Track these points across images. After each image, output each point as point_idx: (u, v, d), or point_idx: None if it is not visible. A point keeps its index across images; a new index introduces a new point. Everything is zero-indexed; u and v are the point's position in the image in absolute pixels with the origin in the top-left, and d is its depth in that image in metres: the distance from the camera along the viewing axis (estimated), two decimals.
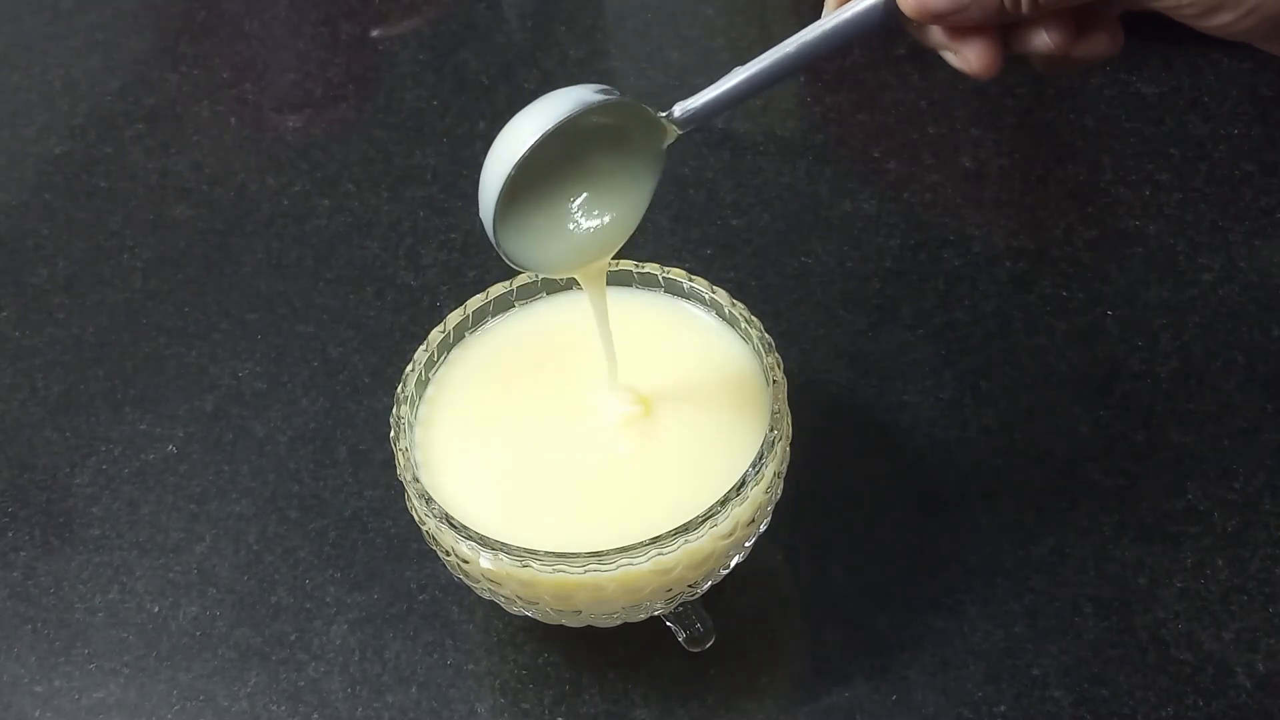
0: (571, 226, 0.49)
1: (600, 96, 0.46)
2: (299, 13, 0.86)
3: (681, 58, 0.80)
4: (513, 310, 0.57)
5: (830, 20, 0.47)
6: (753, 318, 0.54)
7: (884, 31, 0.47)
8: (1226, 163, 0.71)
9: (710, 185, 0.72)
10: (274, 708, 0.55)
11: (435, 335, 0.55)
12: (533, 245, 0.49)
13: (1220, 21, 0.44)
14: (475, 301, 0.56)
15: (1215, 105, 0.73)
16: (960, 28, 0.46)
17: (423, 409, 0.54)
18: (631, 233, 0.50)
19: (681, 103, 0.48)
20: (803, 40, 0.47)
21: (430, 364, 0.55)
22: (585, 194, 0.49)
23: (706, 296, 0.55)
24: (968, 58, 0.46)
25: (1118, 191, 0.70)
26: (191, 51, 0.84)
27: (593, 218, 0.49)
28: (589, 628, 0.52)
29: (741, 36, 0.82)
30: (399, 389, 0.53)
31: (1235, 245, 0.67)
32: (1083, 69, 0.48)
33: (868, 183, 0.72)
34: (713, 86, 0.48)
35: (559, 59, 0.81)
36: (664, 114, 0.48)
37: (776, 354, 0.53)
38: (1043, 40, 0.46)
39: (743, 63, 0.47)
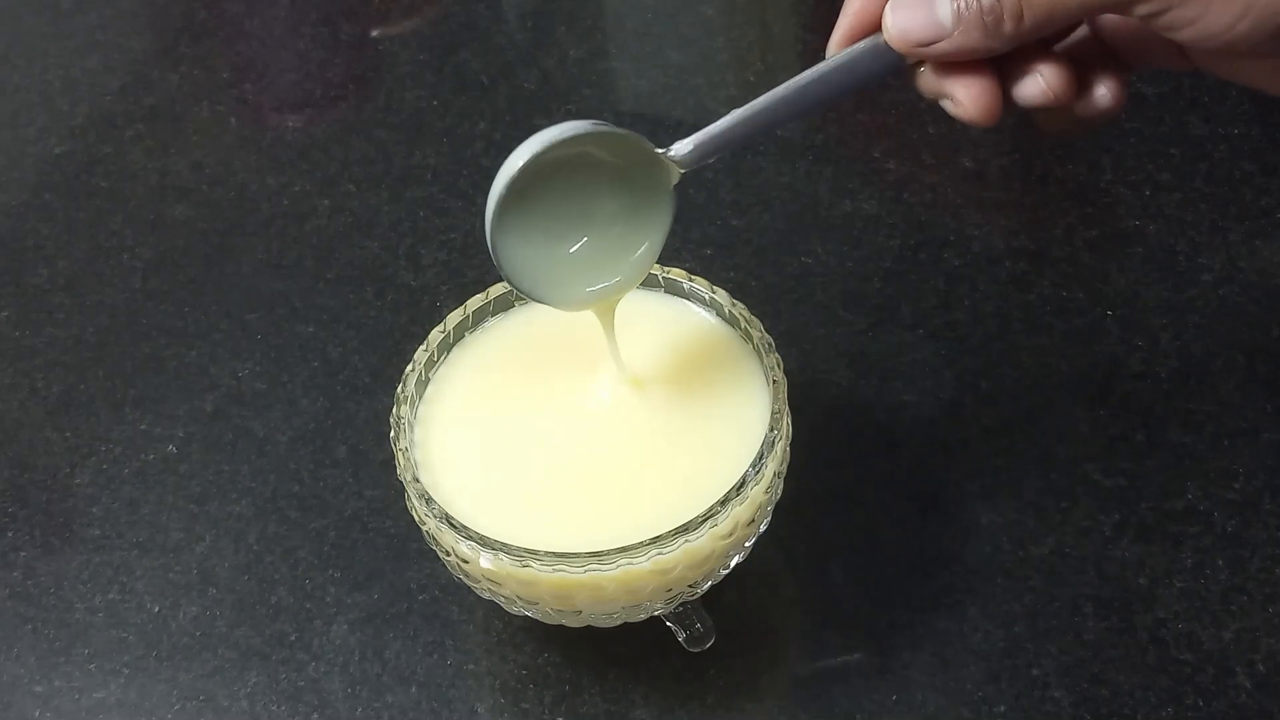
0: (587, 274, 0.50)
1: (597, 127, 0.46)
2: (299, 13, 0.86)
3: (681, 58, 0.80)
4: (513, 310, 0.57)
5: (827, 64, 0.46)
6: (753, 318, 0.54)
7: (882, 79, 0.46)
8: (1226, 163, 0.71)
9: (710, 185, 0.72)
10: (274, 708, 0.55)
11: (435, 335, 0.55)
12: (549, 290, 0.50)
13: (1215, 26, 0.42)
14: (475, 301, 0.56)
15: (1215, 105, 0.73)
16: (950, 63, 0.45)
17: (423, 409, 0.54)
18: (646, 274, 0.51)
19: (679, 141, 0.48)
20: (799, 83, 0.46)
21: (430, 364, 0.55)
22: (587, 238, 0.49)
23: (706, 296, 0.55)
24: (963, 102, 0.45)
25: (1118, 191, 0.70)
26: (191, 51, 0.84)
27: (607, 264, 0.50)
28: (589, 628, 0.52)
29: (741, 36, 0.82)
30: (399, 389, 0.53)
31: (1235, 245, 0.67)
32: (1087, 127, 0.48)
33: (868, 183, 0.72)
34: (710, 126, 0.47)
35: (559, 59, 0.81)
36: (662, 150, 0.48)
37: (776, 354, 0.53)
38: (1038, 85, 0.45)
39: (740, 104, 0.47)
